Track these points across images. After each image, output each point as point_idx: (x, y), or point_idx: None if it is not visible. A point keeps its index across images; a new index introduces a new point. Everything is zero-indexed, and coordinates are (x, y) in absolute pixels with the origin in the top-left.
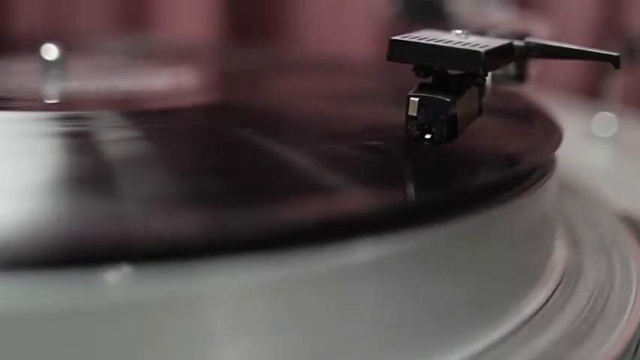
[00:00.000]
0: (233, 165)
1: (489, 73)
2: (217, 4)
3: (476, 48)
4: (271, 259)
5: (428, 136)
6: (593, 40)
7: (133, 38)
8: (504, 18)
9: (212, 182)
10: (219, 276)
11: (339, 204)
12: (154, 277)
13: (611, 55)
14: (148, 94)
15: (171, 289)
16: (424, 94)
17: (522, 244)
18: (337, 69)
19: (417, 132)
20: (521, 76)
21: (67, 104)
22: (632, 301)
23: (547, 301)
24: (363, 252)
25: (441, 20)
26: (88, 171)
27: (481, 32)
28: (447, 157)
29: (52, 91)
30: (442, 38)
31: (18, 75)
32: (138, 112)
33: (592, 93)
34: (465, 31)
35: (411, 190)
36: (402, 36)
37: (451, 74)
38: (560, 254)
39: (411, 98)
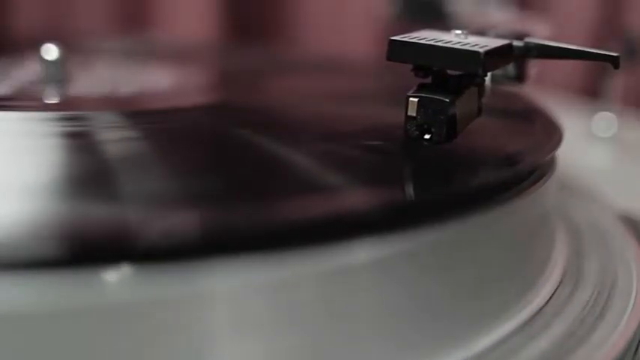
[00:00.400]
0: (233, 165)
1: (489, 74)
2: (217, 4)
3: (475, 48)
4: (271, 259)
5: (427, 137)
6: (593, 40)
7: (133, 38)
8: (504, 18)
9: (212, 182)
10: (219, 276)
11: (339, 204)
12: (154, 277)
13: (610, 55)
14: (147, 94)
15: (171, 288)
16: (423, 95)
17: (522, 244)
18: (337, 69)
19: (417, 132)
20: (520, 76)
21: (67, 104)
22: (632, 301)
23: (547, 301)
24: (363, 252)
25: (441, 20)
26: (88, 171)
27: (481, 32)
28: (447, 157)
29: (52, 91)
30: (442, 38)
31: (18, 75)
32: (138, 112)
33: (592, 93)
34: (464, 31)
35: (410, 190)
36: (402, 36)
37: (450, 74)
38: (560, 254)
39: (411, 98)
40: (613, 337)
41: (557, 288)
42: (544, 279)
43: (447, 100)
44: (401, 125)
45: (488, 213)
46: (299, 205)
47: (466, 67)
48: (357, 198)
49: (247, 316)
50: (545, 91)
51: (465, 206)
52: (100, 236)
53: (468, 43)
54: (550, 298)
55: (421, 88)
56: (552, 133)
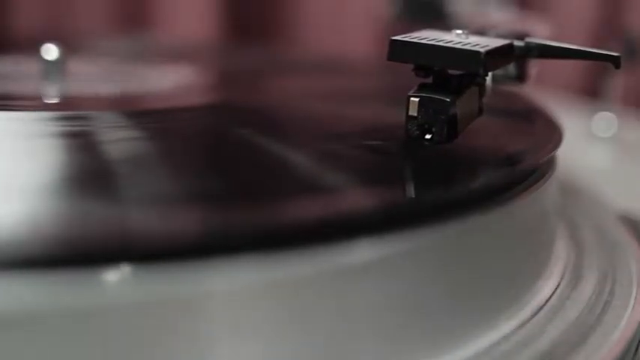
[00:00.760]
0: (233, 165)
1: (489, 73)
2: (217, 4)
3: (476, 48)
4: (271, 259)
5: (428, 136)
6: (593, 40)
7: (133, 38)
8: (504, 18)
9: (212, 182)
10: (219, 276)
11: (339, 204)
12: (154, 277)
13: (611, 55)
14: (148, 94)
15: (171, 288)
16: (424, 94)
17: (522, 244)
18: (337, 69)
19: (417, 132)
20: (521, 76)
21: (67, 104)
22: (632, 301)
23: (547, 301)
24: (363, 252)
25: (441, 20)
26: (88, 171)
27: (481, 32)
28: (447, 157)
29: (52, 91)
30: (442, 38)
31: (18, 75)
32: (138, 112)
33: (592, 93)
34: (465, 31)
35: (410, 190)
36: (402, 36)
37: (451, 74)
38: (560, 254)
39: (411, 98)
40: (613, 337)
41: (557, 288)
42: (544, 279)
43: (448, 99)
44: (402, 125)
45: (489, 213)
46: (299, 205)
47: (467, 67)
48: (357, 198)
49: (247, 316)
50: (545, 91)
51: (465, 206)
52: (99, 236)
53: (469, 43)
54: (550, 298)
55: (422, 87)
56: (552, 133)
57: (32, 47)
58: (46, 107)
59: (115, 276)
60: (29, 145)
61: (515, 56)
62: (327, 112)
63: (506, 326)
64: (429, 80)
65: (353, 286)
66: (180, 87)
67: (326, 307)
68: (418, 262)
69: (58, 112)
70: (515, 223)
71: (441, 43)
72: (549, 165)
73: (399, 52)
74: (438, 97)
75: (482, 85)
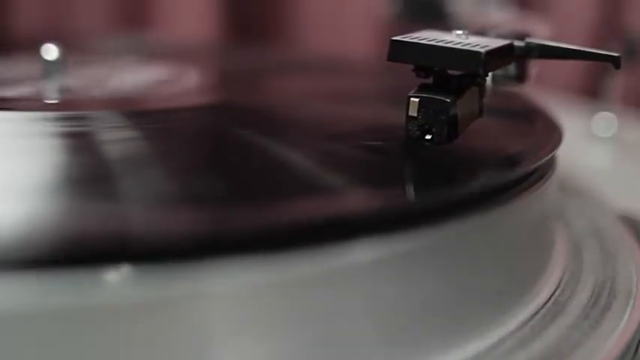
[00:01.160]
0: (233, 165)
1: (489, 74)
2: (217, 4)
3: (476, 48)
4: (271, 260)
5: (428, 137)
6: (593, 40)
7: (133, 38)
8: (504, 18)
9: (212, 182)
10: (219, 276)
11: (339, 204)
12: (154, 277)
13: (611, 56)
14: (148, 94)
15: (171, 289)
16: (424, 95)
17: (522, 244)
18: (337, 69)
19: (417, 132)
20: (521, 77)
21: (67, 104)
22: (632, 301)
23: (547, 301)
24: (363, 252)
25: (441, 20)
26: (87, 171)
27: (481, 32)
28: (447, 158)
29: (52, 91)
30: (442, 38)
31: (18, 75)
32: (138, 112)
33: (592, 93)
34: (465, 32)
35: (411, 190)
36: (402, 36)
37: (451, 74)
38: (559, 254)
39: (411, 99)
40: (613, 337)
41: (556, 288)
42: (544, 279)
43: (448, 100)
44: (402, 125)
45: (489, 213)
46: (299, 206)
47: (467, 67)
48: (357, 199)
49: (247, 316)
50: (545, 91)
51: (465, 207)
52: (99, 237)
53: (469, 43)
54: (550, 298)
55: (422, 88)
56: (552, 133)
57: (32, 47)
58: (46, 107)
59: (114, 276)
60: (29, 146)
61: (515, 56)
62: (327, 112)
63: (505, 326)
64: (429, 80)
65: (352, 286)
66: (180, 87)
67: (326, 308)
68: (417, 263)
69: (57, 112)
70: (515, 224)
71: (441, 44)
72: (549, 165)
73: (399, 52)
74: (438, 97)
75: (482, 86)
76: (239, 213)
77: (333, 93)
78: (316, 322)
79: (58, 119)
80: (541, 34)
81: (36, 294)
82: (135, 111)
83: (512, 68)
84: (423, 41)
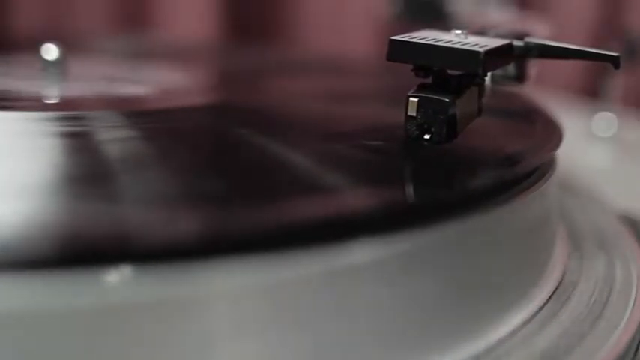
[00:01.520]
0: (233, 165)
1: (489, 73)
2: (217, 4)
3: (475, 48)
4: (270, 260)
5: (427, 137)
6: (593, 40)
7: (133, 38)
8: (504, 18)
9: (212, 182)
10: (219, 276)
11: (339, 204)
12: (154, 278)
13: (611, 56)
14: (147, 94)
15: (171, 289)
16: (423, 94)
17: (522, 244)
18: (337, 69)
19: (417, 132)
20: (520, 76)
21: (67, 104)
22: (632, 301)
23: (547, 301)
24: (363, 252)
25: (441, 20)
26: (88, 171)
27: (481, 32)
28: (447, 158)
29: (52, 91)
30: (442, 38)
31: (18, 75)
32: (138, 112)
33: (592, 93)
34: (464, 31)
35: (410, 190)
36: (402, 36)
37: (451, 74)
38: (560, 254)
39: (411, 98)
40: (613, 337)
41: (557, 288)
42: (544, 279)
43: (447, 99)
44: (401, 125)
45: (488, 213)
46: (299, 206)
47: (466, 67)
48: (357, 199)
49: (246, 316)
50: (545, 91)
51: (464, 206)
52: (99, 237)
53: (468, 43)
54: (550, 298)
55: (421, 87)
56: (552, 133)
57: (32, 47)
58: (46, 107)
59: (114, 276)
60: (29, 145)
61: (514, 56)
62: (327, 112)
63: (505, 326)
64: (429, 80)
65: (351, 286)
66: (180, 87)
67: (325, 308)
68: (417, 263)
69: (57, 112)
70: (515, 223)
71: (440, 43)
72: (549, 165)
73: (399, 52)
74: (438, 97)
75: (481, 85)
76: (239, 213)
77: (333, 93)
78: (316, 321)
79: (58, 119)
80: (541, 34)
81: (36, 294)
82: (135, 111)
83: (511, 68)
84: (422, 41)
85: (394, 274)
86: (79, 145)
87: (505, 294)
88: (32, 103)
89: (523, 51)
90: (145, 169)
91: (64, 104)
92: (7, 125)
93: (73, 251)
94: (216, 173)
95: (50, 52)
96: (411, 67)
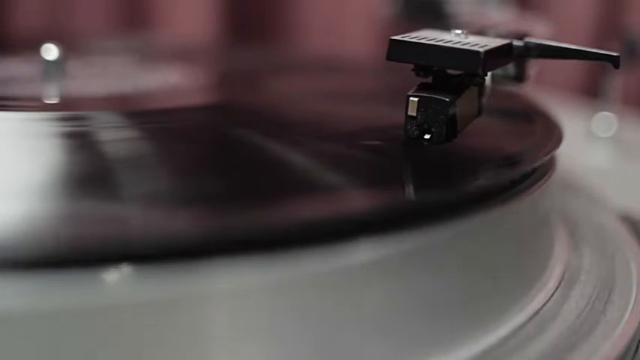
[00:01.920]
0: (233, 165)
1: (489, 73)
2: (217, 4)
3: (475, 48)
4: (270, 260)
5: (427, 136)
6: (593, 40)
7: (133, 38)
8: (504, 18)
9: (212, 182)
10: (219, 276)
11: (339, 204)
12: (153, 278)
13: (610, 55)
14: (148, 94)
15: (171, 289)
16: (423, 94)
17: (522, 244)
18: (337, 69)
19: (417, 132)
20: (520, 76)
21: (67, 104)
22: (632, 301)
23: (547, 301)
24: (363, 252)
25: (441, 20)
26: (87, 171)
27: (481, 32)
28: (447, 157)
29: (52, 91)
30: (442, 38)
31: (18, 75)
32: (138, 112)
33: (592, 93)
34: (464, 31)
35: (410, 190)
36: (402, 36)
37: (451, 74)
38: (560, 254)
39: (411, 98)
40: (613, 337)
41: (557, 288)
42: (544, 279)
43: (447, 99)
44: (401, 125)
45: (488, 213)
46: (299, 206)
47: (466, 67)
48: (357, 199)
49: (247, 316)
50: (545, 91)
51: (464, 206)
52: (99, 237)
53: (468, 43)
54: (550, 297)
55: (421, 87)
56: (552, 133)
57: (32, 47)
58: (46, 107)
59: (114, 276)
60: (29, 145)
61: (514, 56)
62: (326, 112)
63: (505, 326)
64: (429, 80)
65: (351, 286)
66: (180, 86)
67: (325, 308)
68: (416, 263)
69: (57, 112)
70: (515, 223)
71: (440, 43)
72: (549, 165)
73: (398, 51)
74: (438, 96)
75: (481, 85)
76: (239, 213)
77: (333, 93)
78: (316, 321)
79: (58, 119)
80: (541, 34)
81: (35, 294)
82: (135, 111)
83: (511, 68)
84: (422, 41)
85: (394, 275)
86: (79, 145)
87: (505, 294)
88: (32, 103)
89: (523, 51)
90: (145, 169)
91: (64, 104)
92: (7, 125)
93: (72, 251)
94: (216, 173)
95: (50, 52)
96: (411, 66)
